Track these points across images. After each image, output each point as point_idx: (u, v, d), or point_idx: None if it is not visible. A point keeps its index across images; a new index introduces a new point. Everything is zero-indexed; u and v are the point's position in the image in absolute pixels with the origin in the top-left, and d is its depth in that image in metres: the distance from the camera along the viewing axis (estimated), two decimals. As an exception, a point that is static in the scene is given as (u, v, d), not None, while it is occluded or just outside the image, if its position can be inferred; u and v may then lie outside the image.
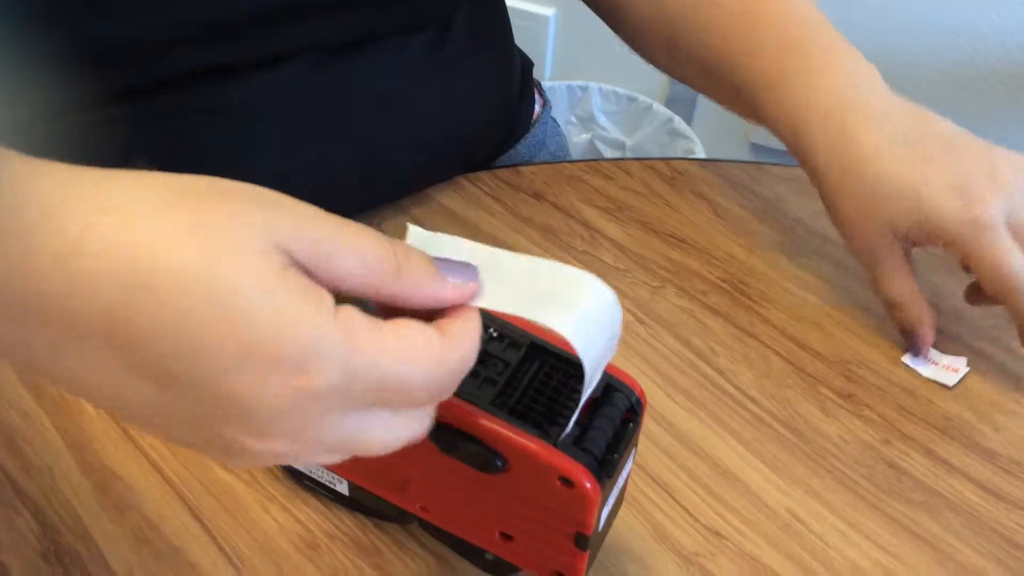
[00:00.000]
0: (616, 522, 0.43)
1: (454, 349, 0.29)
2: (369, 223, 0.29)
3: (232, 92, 0.52)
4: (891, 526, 0.46)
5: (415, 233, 0.34)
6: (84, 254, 0.25)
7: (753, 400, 0.51)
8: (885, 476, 0.48)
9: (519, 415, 0.35)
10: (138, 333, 0.25)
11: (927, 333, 0.53)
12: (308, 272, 0.27)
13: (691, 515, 0.46)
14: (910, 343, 0.54)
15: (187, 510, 0.44)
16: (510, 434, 0.34)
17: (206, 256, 0.25)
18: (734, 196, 0.65)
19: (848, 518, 0.46)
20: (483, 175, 0.66)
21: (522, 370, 0.36)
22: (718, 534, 0.45)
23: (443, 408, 0.34)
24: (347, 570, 0.43)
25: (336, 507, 0.45)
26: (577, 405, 0.35)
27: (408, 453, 0.32)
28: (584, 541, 0.36)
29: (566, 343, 0.31)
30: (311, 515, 0.45)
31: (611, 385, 0.37)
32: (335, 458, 0.30)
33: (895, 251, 0.52)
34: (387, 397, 0.28)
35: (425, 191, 0.64)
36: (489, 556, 0.41)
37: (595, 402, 0.36)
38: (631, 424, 0.37)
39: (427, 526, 0.42)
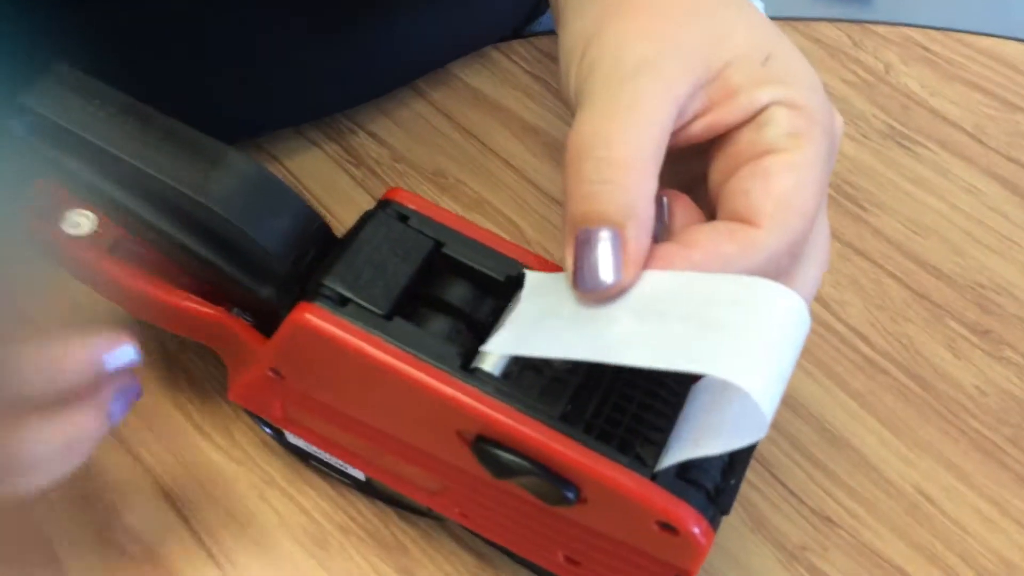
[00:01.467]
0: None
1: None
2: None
3: None
4: (1045, 505, 0.37)
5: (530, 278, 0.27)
6: None
7: (865, 339, 0.41)
8: (1035, 438, 0.39)
9: (599, 433, 0.25)
10: None
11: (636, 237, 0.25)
12: None
13: (795, 496, 0.37)
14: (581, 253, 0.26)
15: (163, 497, 0.35)
16: (588, 462, 0.24)
17: None
18: (832, 67, 0.52)
19: (991, 495, 0.37)
20: (517, 45, 0.53)
21: (599, 368, 0.26)
22: (829, 520, 0.36)
23: (493, 422, 0.24)
24: (364, 573, 0.34)
25: (351, 493, 0.36)
26: (675, 413, 0.25)
27: (440, 456, 0.26)
28: (685, 585, 0.27)
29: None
30: (319, 502, 0.36)
31: None
32: None
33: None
34: None
35: (446, 68, 0.51)
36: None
37: None
38: None
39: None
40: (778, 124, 0.27)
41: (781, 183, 0.26)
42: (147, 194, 0.28)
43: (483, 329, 0.27)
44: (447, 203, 0.45)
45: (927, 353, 0.41)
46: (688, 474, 0.25)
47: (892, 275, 0.43)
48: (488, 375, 0.26)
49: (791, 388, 0.39)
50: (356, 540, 0.35)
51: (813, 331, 0.41)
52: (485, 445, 0.25)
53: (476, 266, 0.28)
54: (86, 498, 0.35)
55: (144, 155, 0.27)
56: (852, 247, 0.44)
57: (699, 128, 0.28)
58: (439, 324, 0.27)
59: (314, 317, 0.26)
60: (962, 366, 0.41)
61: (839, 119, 0.29)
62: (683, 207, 0.27)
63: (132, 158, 0.27)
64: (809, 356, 0.40)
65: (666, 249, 0.25)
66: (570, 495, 0.25)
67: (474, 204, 0.45)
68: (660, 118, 0.26)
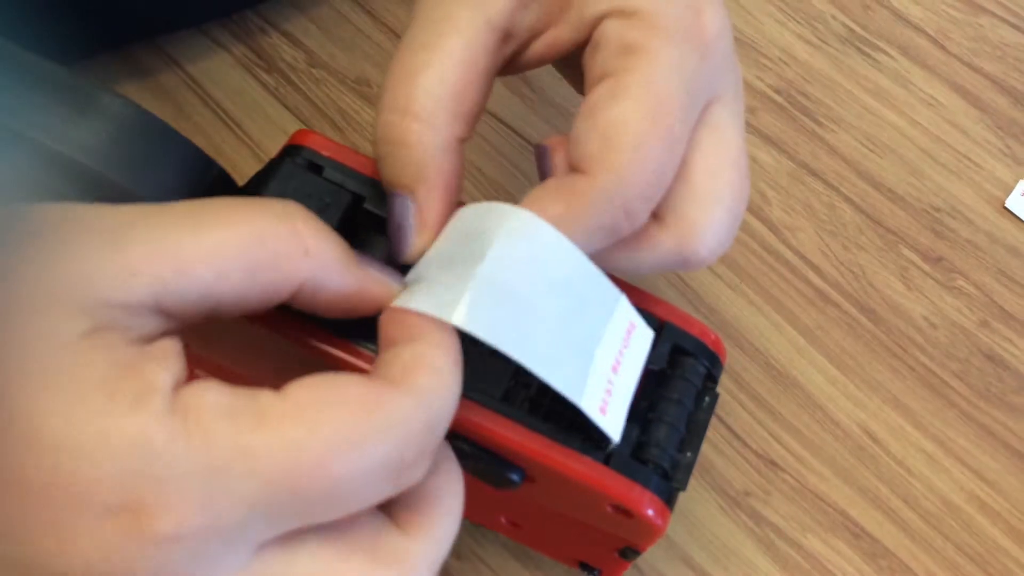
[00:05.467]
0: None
1: (394, 394, 0.19)
2: None
3: None
4: (988, 441, 0.36)
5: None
6: None
7: (816, 269, 0.39)
8: (981, 373, 0.38)
9: (546, 412, 0.23)
10: None
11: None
12: (163, 310, 0.19)
13: (739, 438, 0.35)
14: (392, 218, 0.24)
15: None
16: (536, 447, 0.22)
17: None
18: (790, -39, 0.48)
19: (936, 434, 0.36)
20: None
21: None
22: (773, 463, 0.35)
23: None
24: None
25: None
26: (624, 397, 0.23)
27: None
28: (635, 555, 0.26)
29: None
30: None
31: (678, 346, 0.24)
32: None
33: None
34: (290, 504, 0.18)
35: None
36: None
37: (655, 375, 0.24)
38: (707, 399, 0.25)
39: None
40: (608, 41, 0.23)
41: (604, 116, 0.22)
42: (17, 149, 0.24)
43: None
44: (371, 115, 0.41)
45: (879, 284, 0.39)
46: (643, 453, 0.23)
47: (846, 198, 0.41)
48: None
49: (739, 323, 0.38)
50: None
51: (762, 260, 0.39)
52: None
53: None
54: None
55: (9, 107, 0.22)
56: (806, 167, 0.42)
57: (540, 49, 0.24)
58: None
59: (216, 292, 0.23)
60: (913, 297, 0.39)
61: (712, 16, 0.24)
62: (565, 156, 0.23)
63: None
64: (757, 287, 0.38)
65: None
66: (515, 478, 0.23)
67: (401, 117, 0.41)
68: (460, 52, 0.22)
